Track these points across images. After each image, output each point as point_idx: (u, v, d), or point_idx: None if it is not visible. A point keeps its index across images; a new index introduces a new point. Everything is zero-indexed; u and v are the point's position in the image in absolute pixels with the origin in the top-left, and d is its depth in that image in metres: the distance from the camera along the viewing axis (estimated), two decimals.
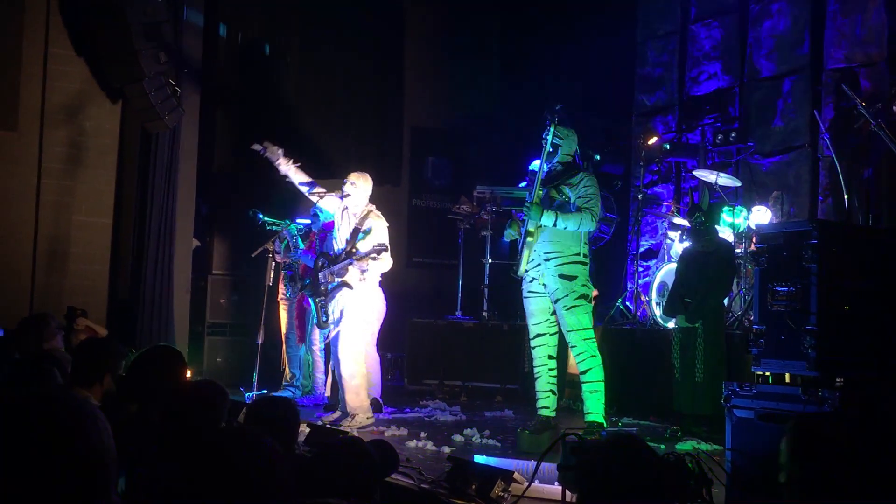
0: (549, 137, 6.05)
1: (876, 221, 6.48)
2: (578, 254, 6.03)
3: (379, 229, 6.91)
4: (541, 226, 5.95)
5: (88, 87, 8.83)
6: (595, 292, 6.57)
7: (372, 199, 7.17)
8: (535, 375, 6.18)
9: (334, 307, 6.90)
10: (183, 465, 2.07)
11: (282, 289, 8.64)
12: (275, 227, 8.33)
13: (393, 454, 3.91)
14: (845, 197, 7.40)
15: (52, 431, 1.80)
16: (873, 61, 8.59)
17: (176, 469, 2.06)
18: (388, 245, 6.83)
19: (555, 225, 5.88)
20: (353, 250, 6.82)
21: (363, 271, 6.83)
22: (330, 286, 6.92)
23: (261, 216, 8.39)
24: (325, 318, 6.94)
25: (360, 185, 7.02)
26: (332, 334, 6.97)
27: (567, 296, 5.94)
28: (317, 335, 8.16)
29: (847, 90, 6.99)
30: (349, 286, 6.81)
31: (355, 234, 6.92)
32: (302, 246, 8.40)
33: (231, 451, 2.03)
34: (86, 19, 8.61)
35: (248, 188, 10.31)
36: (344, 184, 7.04)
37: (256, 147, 7.20)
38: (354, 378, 6.80)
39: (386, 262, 7.03)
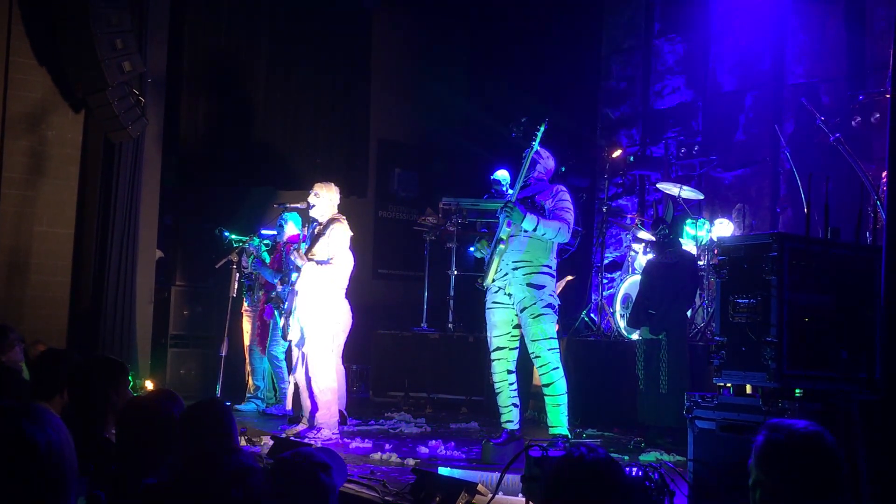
0: (532, 151, 6.07)
1: (835, 234, 6.56)
2: (547, 265, 6.05)
3: (337, 233, 6.88)
4: (514, 235, 5.97)
5: (51, 96, 8.73)
6: (570, 277, 6.54)
7: (340, 210, 7.16)
8: (497, 391, 6.18)
9: (297, 318, 6.86)
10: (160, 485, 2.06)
11: (245, 300, 8.63)
12: (241, 243, 8.28)
13: (340, 460, 3.92)
14: (805, 210, 7.49)
15: (13, 442, 1.78)
16: (833, 77, 8.74)
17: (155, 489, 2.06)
18: (343, 246, 6.83)
19: (535, 230, 5.88)
20: (312, 255, 6.84)
21: (324, 269, 6.81)
22: (285, 291, 6.94)
23: (227, 234, 8.34)
24: (288, 329, 6.92)
25: (323, 195, 7.01)
26: (297, 355, 6.95)
27: (534, 304, 5.94)
28: (280, 346, 8.13)
29: (807, 105, 7.11)
30: (311, 292, 6.79)
31: (315, 239, 6.92)
32: (268, 259, 8.37)
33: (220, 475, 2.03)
34: (48, 28, 8.52)
35: (212, 199, 10.25)
36: (309, 195, 7.05)
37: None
38: (325, 394, 6.77)
39: (346, 265, 7.01)
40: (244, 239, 8.28)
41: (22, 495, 1.76)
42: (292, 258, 6.93)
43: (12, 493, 1.75)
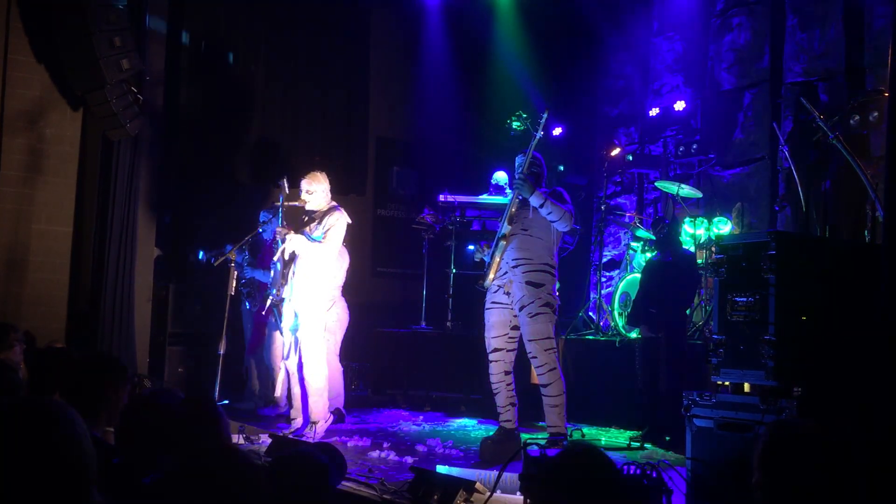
0: (537, 138, 6.10)
1: (833, 233, 6.57)
2: (547, 264, 6.06)
3: (336, 219, 6.84)
4: (515, 234, 5.98)
5: (49, 94, 8.72)
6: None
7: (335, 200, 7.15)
8: (494, 391, 6.19)
9: (291, 303, 6.80)
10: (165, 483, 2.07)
11: (245, 303, 8.60)
12: (220, 258, 7.96)
13: (341, 458, 3.91)
14: (803, 208, 7.51)
15: (36, 435, 1.80)
16: (831, 75, 8.73)
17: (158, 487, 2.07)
18: (340, 234, 6.81)
19: (542, 206, 5.90)
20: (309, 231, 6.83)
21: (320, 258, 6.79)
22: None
23: (202, 256, 8.25)
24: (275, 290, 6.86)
25: (316, 188, 6.99)
26: (290, 341, 6.89)
27: (533, 302, 5.95)
28: (277, 345, 8.08)
29: (805, 103, 7.10)
30: (308, 280, 6.75)
31: (311, 222, 6.90)
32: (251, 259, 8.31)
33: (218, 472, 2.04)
34: (47, 26, 8.52)
35: (211, 197, 10.24)
36: (299, 195, 7.00)
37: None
38: (318, 381, 6.74)
39: (343, 262, 6.99)
40: (223, 252, 7.93)
41: (45, 486, 1.78)
42: (277, 235, 6.88)
43: (36, 483, 1.77)
